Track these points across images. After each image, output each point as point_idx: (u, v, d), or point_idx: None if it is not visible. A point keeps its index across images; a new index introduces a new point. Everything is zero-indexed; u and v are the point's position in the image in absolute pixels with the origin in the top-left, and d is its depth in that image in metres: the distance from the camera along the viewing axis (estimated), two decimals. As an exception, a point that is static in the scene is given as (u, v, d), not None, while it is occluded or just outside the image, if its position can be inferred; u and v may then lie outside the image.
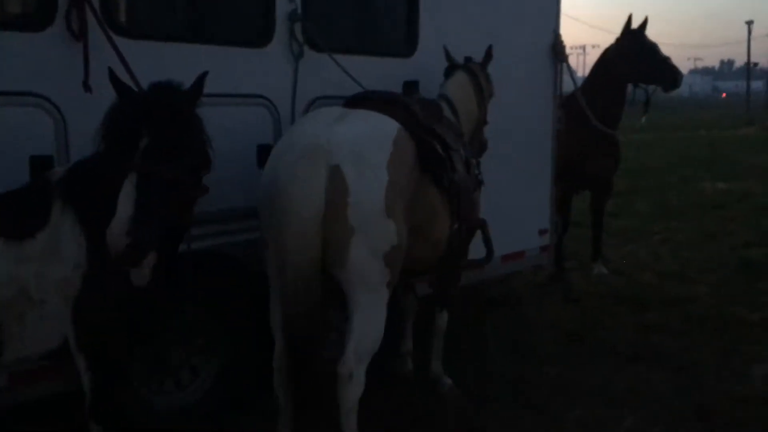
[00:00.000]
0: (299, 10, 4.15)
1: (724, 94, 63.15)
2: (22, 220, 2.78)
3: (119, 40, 3.38)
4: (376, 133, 3.51)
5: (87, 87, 3.33)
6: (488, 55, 4.82)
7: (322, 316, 3.31)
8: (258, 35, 4.10)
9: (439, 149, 3.83)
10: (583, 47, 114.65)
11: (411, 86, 4.41)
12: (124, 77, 2.98)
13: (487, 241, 4.39)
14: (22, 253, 2.73)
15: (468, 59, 4.74)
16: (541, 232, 6.16)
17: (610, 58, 7.30)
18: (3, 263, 2.70)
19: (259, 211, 3.53)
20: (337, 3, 4.72)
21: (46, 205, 2.80)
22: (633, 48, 7.12)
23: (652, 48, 7.16)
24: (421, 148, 3.69)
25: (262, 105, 4.07)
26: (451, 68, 4.72)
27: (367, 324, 3.40)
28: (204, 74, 2.86)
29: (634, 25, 7.25)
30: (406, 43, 4.90)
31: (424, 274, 4.35)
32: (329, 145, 3.28)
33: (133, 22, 3.82)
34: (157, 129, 2.61)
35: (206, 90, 2.86)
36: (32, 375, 3.37)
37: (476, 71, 4.70)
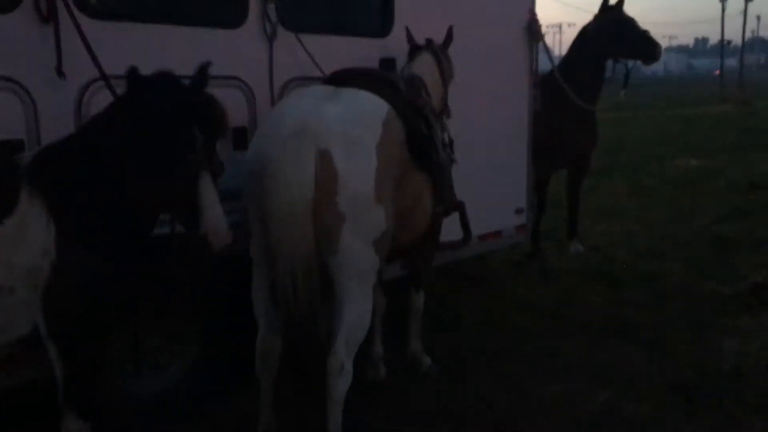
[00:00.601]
0: (272, -10, 4.11)
1: (718, 72, 63.65)
2: None
3: (90, 22, 3.33)
4: (366, 115, 3.43)
5: (60, 73, 3.27)
6: (449, 36, 4.70)
7: (323, 302, 3.25)
8: (232, 15, 4.05)
9: (424, 129, 3.79)
10: (559, 26, 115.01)
11: (388, 64, 4.34)
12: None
13: (465, 223, 4.39)
14: None
15: (429, 41, 4.64)
16: (518, 212, 6.19)
17: (589, 34, 7.33)
18: None
19: (244, 193, 3.43)
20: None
21: (13, 190, 2.72)
22: (612, 24, 7.18)
23: (631, 22, 7.23)
24: (408, 130, 3.63)
25: (237, 87, 4.04)
26: (416, 49, 4.62)
27: (358, 314, 3.36)
28: (207, 64, 2.82)
29: (612, 2, 7.30)
30: (381, 23, 4.87)
31: (400, 258, 4.32)
32: (318, 126, 3.20)
33: (103, 2, 3.74)
34: (210, 127, 2.70)
35: (180, 72, 2.82)
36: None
37: (438, 53, 4.60)
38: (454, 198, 4.12)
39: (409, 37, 4.68)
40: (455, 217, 4.38)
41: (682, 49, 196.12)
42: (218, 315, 4.10)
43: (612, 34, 7.15)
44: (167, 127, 2.63)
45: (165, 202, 2.77)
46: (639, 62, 7.43)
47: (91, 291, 2.78)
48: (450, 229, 4.45)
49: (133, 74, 2.65)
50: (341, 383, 3.31)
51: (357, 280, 3.33)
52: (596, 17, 7.35)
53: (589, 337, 5.26)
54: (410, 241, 3.89)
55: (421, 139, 3.71)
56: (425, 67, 4.50)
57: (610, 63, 7.40)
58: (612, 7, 7.28)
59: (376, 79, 3.84)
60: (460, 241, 4.47)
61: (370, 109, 3.49)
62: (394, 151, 3.46)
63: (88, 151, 2.81)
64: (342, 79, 3.83)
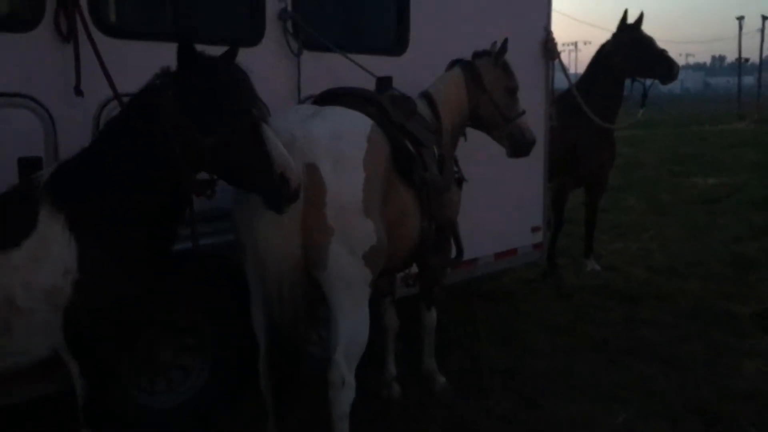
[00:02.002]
0: (288, 8, 4.14)
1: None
2: (8, 227, 2.71)
3: (109, 41, 3.37)
4: (351, 130, 3.48)
5: (79, 91, 3.31)
6: (503, 48, 4.64)
7: (308, 316, 3.30)
8: (249, 34, 4.08)
9: (409, 147, 3.80)
10: (575, 44, 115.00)
11: (385, 82, 4.37)
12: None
13: (457, 241, 4.36)
14: (8, 262, 2.65)
15: (479, 53, 4.63)
16: (534, 230, 6.17)
17: (607, 53, 7.34)
18: None
19: (234, 213, 3.44)
20: (327, 2, 4.70)
21: (32, 210, 2.72)
22: (630, 42, 7.18)
23: (649, 41, 7.22)
24: (393, 146, 3.66)
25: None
26: (452, 64, 4.66)
27: (353, 326, 3.38)
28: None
29: (630, 20, 7.31)
30: (396, 42, 4.90)
31: (394, 273, 4.30)
32: (305, 141, 3.24)
33: (123, 22, 3.79)
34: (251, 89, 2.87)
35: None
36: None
37: (481, 66, 4.57)
38: (444, 215, 4.07)
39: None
40: (473, 234, 4.34)
41: (699, 67, 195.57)
42: (230, 327, 4.11)
43: (629, 53, 7.15)
44: (231, 94, 2.76)
45: (237, 154, 2.76)
46: (656, 81, 7.41)
47: (114, 308, 2.78)
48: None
49: (185, 47, 2.75)
50: (344, 397, 3.33)
51: (348, 293, 3.35)
52: (614, 35, 7.35)
53: (606, 355, 5.22)
54: (400, 255, 3.86)
55: (404, 155, 3.72)
56: (442, 83, 4.51)
57: (628, 81, 7.38)
58: (630, 26, 7.28)
59: (359, 97, 3.88)
60: (454, 259, 4.42)
61: (355, 124, 3.54)
62: (380, 165, 3.49)
63: (108, 160, 2.81)
64: (327, 98, 3.90)
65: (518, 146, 4.69)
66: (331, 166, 3.26)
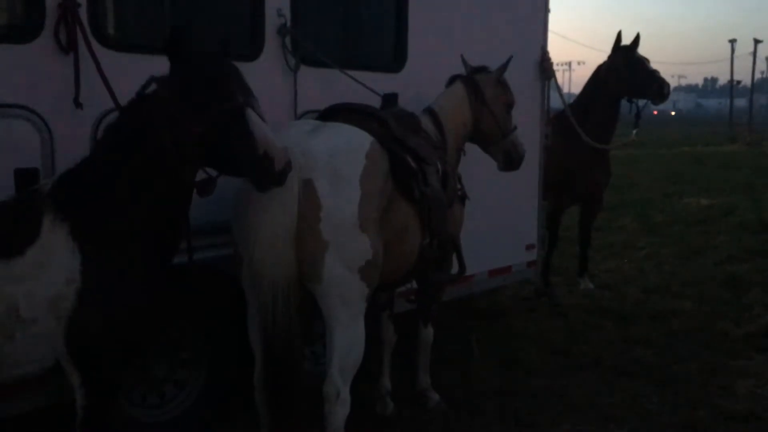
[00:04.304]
0: (288, 24, 4.16)
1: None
2: (11, 236, 2.70)
3: (108, 53, 3.38)
4: (349, 147, 3.51)
5: (78, 104, 3.32)
6: (504, 65, 4.71)
7: (302, 330, 3.31)
8: (249, 48, 4.09)
9: (411, 162, 3.82)
10: (569, 63, 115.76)
11: (390, 98, 4.40)
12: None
13: (459, 257, 4.38)
14: (12, 271, 2.64)
15: (478, 69, 4.71)
16: (528, 247, 6.18)
17: (602, 74, 7.40)
18: None
19: (233, 226, 3.49)
20: (326, 19, 4.73)
21: (35, 219, 2.72)
22: (622, 63, 7.24)
23: (641, 62, 7.27)
24: (393, 161, 3.69)
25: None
26: (452, 79, 4.70)
27: (348, 340, 3.40)
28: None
29: (626, 41, 7.37)
30: (395, 59, 4.93)
31: (394, 288, 4.32)
32: (303, 158, 3.29)
33: (122, 34, 3.80)
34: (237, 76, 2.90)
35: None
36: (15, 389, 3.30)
37: (482, 82, 4.63)
38: (445, 231, 4.09)
39: (464, 64, 4.74)
40: (468, 250, 4.37)
41: (691, 89, 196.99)
42: (225, 341, 4.10)
43: (621, 73, 7.21)
44: (215, 80, 2.81)
45: (223, 137, 2.80)
46: (649, 102, 7.45)
47: (119, 317, 2.77)
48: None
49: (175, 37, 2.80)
50: (339, 411, 3.33)
51: (344, 307, 3.37)
52: (610, 57, 7.41)
53: (599, 375, 5.21)
54: (399, 271, 3.86)
55: (405, 172, 3.74)
56: (446, 99, 4.57)
57: (624, 101, 7.42)
58: (625, 47, 7.34)
59: (362, 114, 3.90)
60: (455, 275, 4.45)
61: (353, 141, 3.57)
62: (378, 181, 3.52)
63: (108, 168, 2.83)
64: (330, 114, 3.93)
65: (511, 160, 4.77)
66: (327, 183, 3.30)
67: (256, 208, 3.21)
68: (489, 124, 4.64)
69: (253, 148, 2.76)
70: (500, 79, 4.72)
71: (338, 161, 3.39)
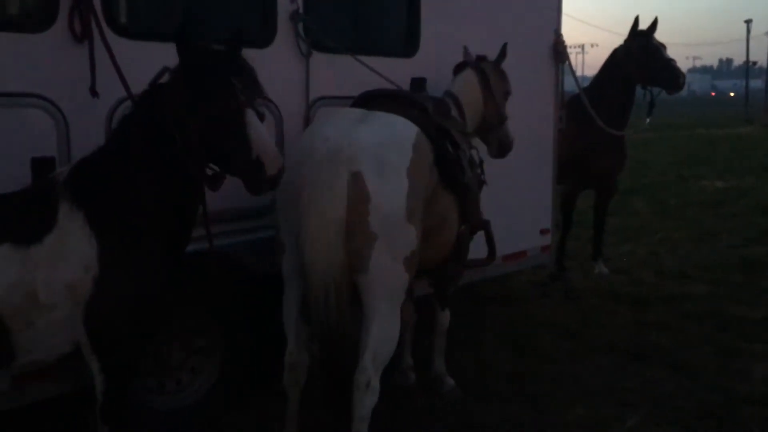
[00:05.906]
0: (300, 10, 4.16)
1: (732, 94, 63.23)
2: (29, 224, 2.74)
3: (122, 41, 3.39)
4: (397, 138, 3.52)
5: (94, 92, 3.33)
6: (502, 53, 4.75)
7: (353, 318, 3.34)
8: (262, 34, 4.09)
9: (451, 150, 3.83)
10: (582, 46, 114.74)
11: (419, 83, 4.40)
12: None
13: (490, 241, 4.40)
14: (30, 258, 2.68)
15: (481, 57, 4.72)
16: (543, 232, 6.17)
17: (618, 58, 7.33)
18: (10, 269, 2.65)
19: (278, 213, 3.55)
20: (339, 5, 4.71)
21: (52, 207, 2.76)
22: (638, 50, 7.16)
23: (658, 49, 7.19)
24: (437, 152, 3.71)
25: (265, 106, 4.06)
26: (461, 66, 4.69)
27: (386, 331, 3.42)
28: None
29: (643, 26, 7.28)
30: (407, 44, 4.91)
31: (426, 276, 4.34)
32: (351, 149, 3.31)
33: (136, 23, 3.80)
34: (245, 75, 2.89)
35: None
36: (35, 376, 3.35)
37: (487, 69, 4.65)
38: (479, 217, 4.13)
39: (465, 53, 4.73)
40: (480, 235, 4.38)
41: (706, 70, 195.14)
42: (240, 329, 4.13)
43: (637, 61, 7.14)
44: (216, 78, 2.79)
45: (220, 136, 2.79)
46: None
47: (135, 303, 2.82)
48: (473, 246, 4.44)
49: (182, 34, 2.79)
50: (367, 400, 3.34)
51: (386, 298, 3.39)
52: (626, 42, 7.33)
53: (614, 359, 5.21)
54: (436, 260, 3.93)
55: (448, 160, 3.78)
56: (463, 85, 4.56)
57: (639, 88, 7.36)
58: (642, 32, 7.26)
59: (404, 101, 3.92)
60: (484, 260, 4.47)
61: (400, 132, 3.57)
62: (424, 172, 3.54)
63: (123, 157, 2.87)
64: (371, 100, 3.93)
65: (505, 147, 4.81)
66: (376, 175, 3.32)
67: (305, 200, 3.23)
68: (491, 111, 4.66)
69: (246, 151, 2.77)
70: (500, 68, 4.74)
71: (386, 153, 3.40)
